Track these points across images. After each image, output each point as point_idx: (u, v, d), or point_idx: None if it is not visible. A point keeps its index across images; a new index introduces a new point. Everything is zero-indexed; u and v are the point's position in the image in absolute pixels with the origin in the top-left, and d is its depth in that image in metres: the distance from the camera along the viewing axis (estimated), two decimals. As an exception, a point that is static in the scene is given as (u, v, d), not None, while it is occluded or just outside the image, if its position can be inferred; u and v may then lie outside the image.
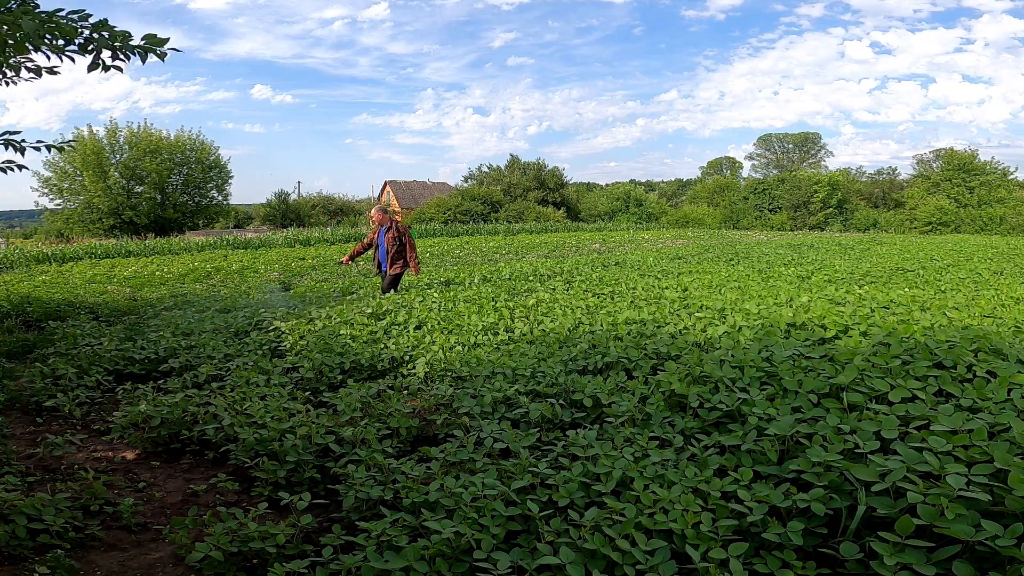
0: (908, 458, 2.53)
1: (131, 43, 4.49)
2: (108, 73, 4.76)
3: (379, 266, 9.63)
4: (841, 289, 8.40)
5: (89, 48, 4.51)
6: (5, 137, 4.84)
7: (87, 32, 4.52)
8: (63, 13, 4.53)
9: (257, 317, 7.89)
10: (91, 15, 4.50)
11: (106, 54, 4.59)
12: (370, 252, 9.93)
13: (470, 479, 3.01)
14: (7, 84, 5.63)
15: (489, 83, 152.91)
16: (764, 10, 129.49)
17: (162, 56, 4.59)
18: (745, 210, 48.40)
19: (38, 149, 5.25)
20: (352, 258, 10.06)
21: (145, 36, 4.56)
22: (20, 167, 5.58)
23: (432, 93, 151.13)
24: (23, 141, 5.20)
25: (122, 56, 4.58)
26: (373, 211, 9.77)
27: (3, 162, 5.52)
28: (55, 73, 4.99)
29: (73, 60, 4.72)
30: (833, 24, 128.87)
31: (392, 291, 9.30)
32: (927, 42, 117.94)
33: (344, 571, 2.48)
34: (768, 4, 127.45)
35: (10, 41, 4.16)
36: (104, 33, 4.47)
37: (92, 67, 4.66)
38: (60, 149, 5.42)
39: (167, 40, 4.55)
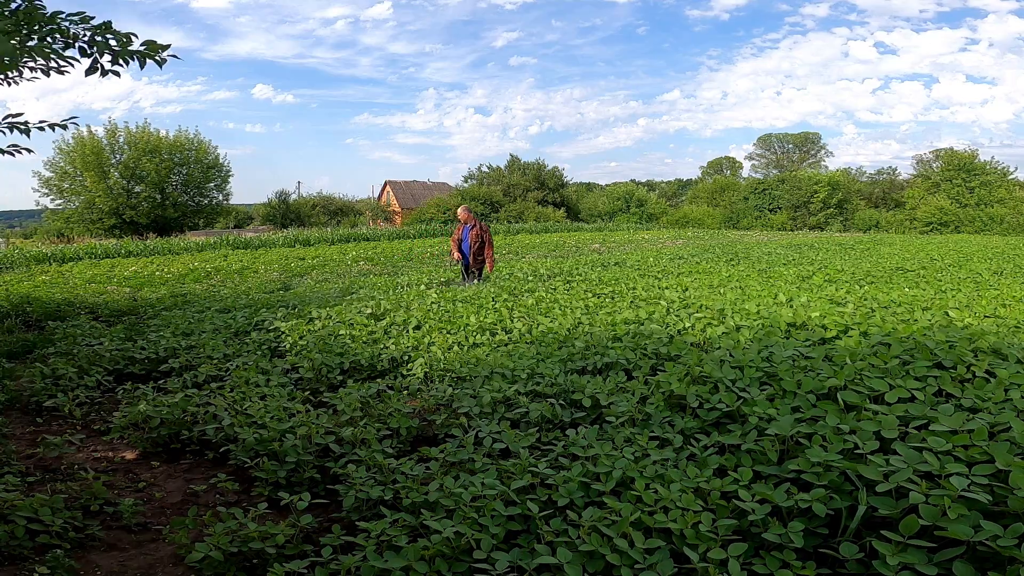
0: (908, 458, 2.53)
1: (131, 48, 4.51)
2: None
3: (463, 258, 10.81)
4: (841, 289, 8.40)
5: (89, 52, 4.52)
6: (8, 121, 4.90)
7: (88, 35, 4.53)
8: (63, 15, 4.53)
9: (257, 317, 7.89)
10: (93, 17, 4.51)
11: (106, 59, 4.61)
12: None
13: (470, 479, 3.01)
14: (9, 84, 5.65)
15: (491, 83, 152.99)
16: (769, 10, 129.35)
17: (160, 62, 4.60)
18: (745, 210, 48.34)
19: (42, 129, 5.29)
20: (457, 250, 10.99)
21: (145, 42, 4.57)
22: (27, 150, 5.63)
23: (434, 93, 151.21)
24: (26, 123, 5.25)
25: (121, 61, 4.60)
26: (460, 210, 10.92)
27: (9, 146, 5.57)
28: (63, 73, 5.00)
29: (74, 65, 4.73)
30: (838, 24, 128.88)
31: (478, 282, 10.50)
32: (931, 42, 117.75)
33: (343, 571, 2.48)
34: (773, 4, 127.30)
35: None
36: (108, 36, 4.48)
37: (90, 71, 4.67)
38: (63, 127, 5.49)
39: (168, 47, 4.57)
